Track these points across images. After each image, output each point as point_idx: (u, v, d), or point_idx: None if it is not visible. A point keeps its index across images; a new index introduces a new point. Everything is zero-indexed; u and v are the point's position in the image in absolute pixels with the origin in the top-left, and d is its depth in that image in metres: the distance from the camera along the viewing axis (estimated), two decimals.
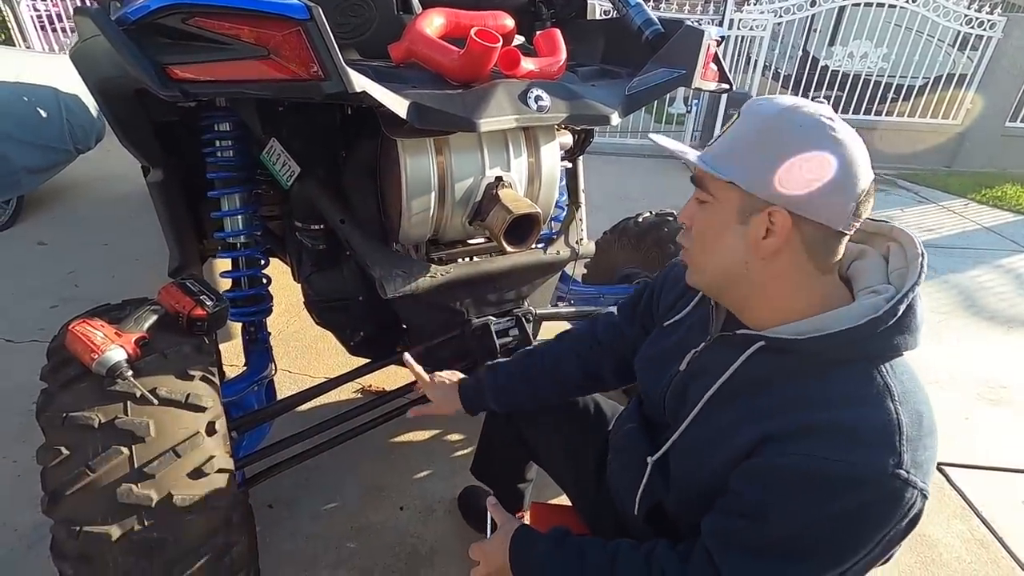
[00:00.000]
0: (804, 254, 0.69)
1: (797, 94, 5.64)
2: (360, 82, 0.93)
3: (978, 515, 1.72)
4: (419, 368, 1.19)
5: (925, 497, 0.63)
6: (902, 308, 0.66)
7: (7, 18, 5.22)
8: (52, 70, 3.23)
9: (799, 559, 0.66)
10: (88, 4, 1.28)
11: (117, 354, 0.93)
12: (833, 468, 0.62)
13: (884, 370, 0.66)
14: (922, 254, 0.70)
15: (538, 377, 1.11)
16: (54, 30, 5.48)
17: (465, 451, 1.81)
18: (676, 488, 0.82)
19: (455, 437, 1.88)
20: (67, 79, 3.24)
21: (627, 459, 0.93)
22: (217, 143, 1.39)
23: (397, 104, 1.01)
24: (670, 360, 0.87)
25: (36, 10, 5.35)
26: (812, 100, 0.69)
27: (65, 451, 0.90)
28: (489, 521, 0.95)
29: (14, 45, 5.22)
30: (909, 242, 0.73)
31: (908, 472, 0.61)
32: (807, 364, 0.69)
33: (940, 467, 1.89)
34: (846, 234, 0.68)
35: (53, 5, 5.36)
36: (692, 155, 0.73)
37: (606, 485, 1.03)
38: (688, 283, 0.81)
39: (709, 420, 0.77)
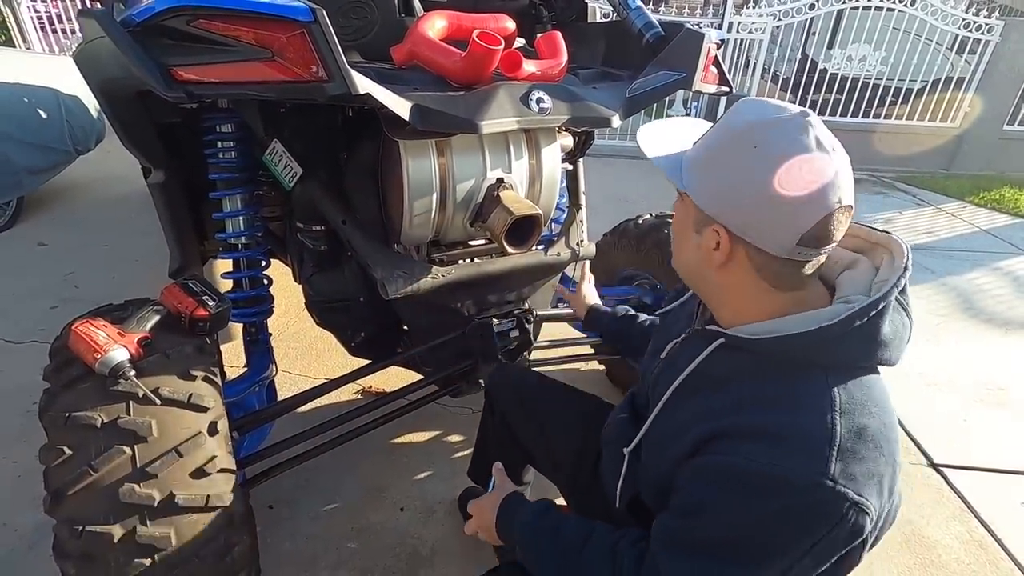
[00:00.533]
0: (753, 272, 0.69)
1: (796, 97, 5.68)
2: (363, 84, 0.94)
3: (977, 517, 1.72)
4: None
5: (865, 511, 0.62)
6: (859, 321, 0.64)
7: (7, 19, 5.22)
8: (53, 71, 3.23)
9: (728, 560, 0.67)
10: (92, 6, 1.29)
11: (120, 354, 0.94)
12: (758, 469, 0.63)
13: (833, 380, 0.65)
14: (905, 267, 0.69)
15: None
16: (54, 31, 5.48)
17: (465, 452, 1.81)
18: (643, 480, 0.84)
19: (455, 438, 1.88)
20: (68, 80, 3.24)
21: (612, 451, 0.94)
22: (219, 144, 1.40)
23: (399, 106, 1.01)
24: (659, 349, 0.89)
25: (36, 11, 5.35)
26: (799, 111, 0.65)
27: (68, 451, 0.90)
28: (491, 482, 1.00)
29: (14, 46, 5.22)
30: (899, 253, 0.71)
31: (836, 482, 0.61)
32: (762, 365, 0.69)
33: (938, 468, 1.90)
34: (800, 261, 0.67)
35: (53, 6, 5.36)
36: (662, 161, 0.74)
37: (599, 482, 1.04)
38: (673, 266, 0.83)
39: (672, 413, 0.78)
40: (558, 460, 1.17)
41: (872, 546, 0.69)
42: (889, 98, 5.73)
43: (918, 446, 2.00)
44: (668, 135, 0.78)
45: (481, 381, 1.50)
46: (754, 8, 5.30)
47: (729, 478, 0.66)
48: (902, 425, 2.07)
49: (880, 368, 0.70)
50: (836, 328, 0.65)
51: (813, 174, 0.63)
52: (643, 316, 1.29)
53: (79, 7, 5.25)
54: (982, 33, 5.34)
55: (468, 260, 1.39)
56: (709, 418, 0.70)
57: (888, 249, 0.74)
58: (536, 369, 1.53)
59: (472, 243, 1.42)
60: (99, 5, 1.32)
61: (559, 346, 1.73)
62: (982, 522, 1.71)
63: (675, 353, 0.84)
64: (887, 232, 0.75)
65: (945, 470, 1.89)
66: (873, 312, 0.65)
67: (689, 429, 0.72)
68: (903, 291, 0.69)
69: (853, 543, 0.65)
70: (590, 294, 1.41)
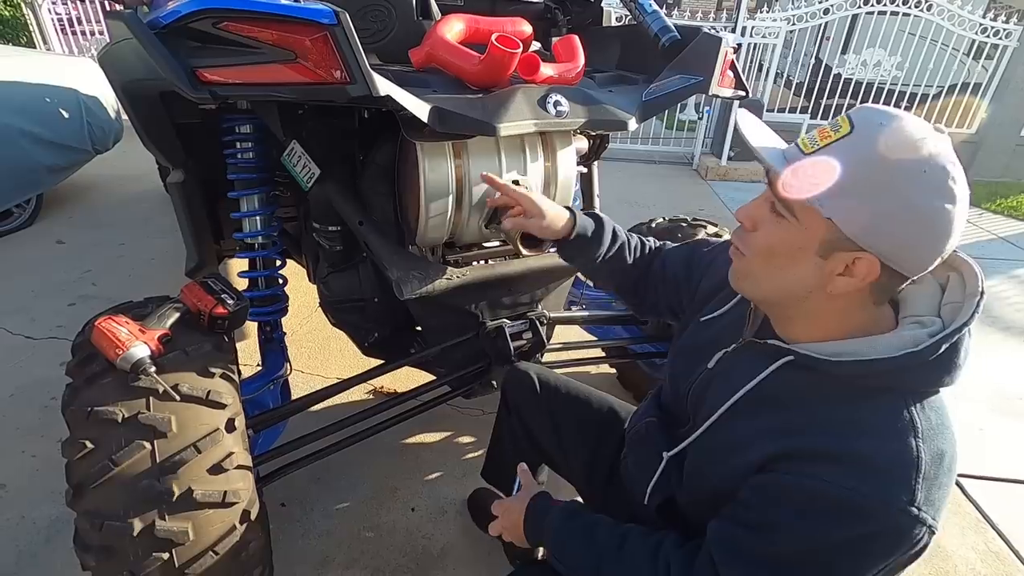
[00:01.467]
0: (869, 293, 0.66)
1: (809, 102, 5.64)
2: (384, 86, 0.95)
3: (994, 527, 1.70)
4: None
5: (933, 532, 0.62)
6: (944, 347, 0.63)
7: (28, 21, 5.31)
8: (73, 72, 3.29)
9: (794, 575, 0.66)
10: (113, 8, 1.31)
11: (141, 350, 0.95)
12: (844, 495, 0.62)
13: (913, 404, 0.64)
14: (981, 292, 0.66)
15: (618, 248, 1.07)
16: (73, 33, 5.58)
17: (476, 453, 1.82)
18: (688, 487, 0.83)
19: (466, 439, 1.89)
20: (88, 81, 3.30)
21: (643, 452, 0.93)
22: (238, 145, 1.42)
23: (419, 108, 1.02)
24: (702, 356, 0.85)
25: (56, 13, 5.45)
26: (934, 127, 0.62)
27: (90, 445, 0.91)
28: (516, 483, 1.01)
29: (35, 47, 5.31)
30: (971, 276, 0.68)
31: (920, 509, 0.61)
32: (834, 387, 0.67)
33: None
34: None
35: (73, 8, 5.46)
36: (775, 162, 0.66)
37: (617, 482, 1.04)
38: (732, 286, 0.78)
39: (729, 426, 0.76)
40: (574, 461, 1.17)
41: None
42: (904, 104, 5.67)
43: None
44: (761, 132, 0.72)
45: (494, 383, 1.51)
46: (768, 12, 5.28)
47: (809, 500, 0.64)
48: None
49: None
50: (924, 353, 0.63)
51: (965, 186, 0.61)
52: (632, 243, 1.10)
53: (98, 9, 5.34)
54: (999, 38, 5.28)
55: (483, 262, 1.40)
56: (778, 436, 0.68)
57: (951, 267, 0.70)
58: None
59: (487, 245, 1.43)
60: (121, 7, 1.34)
61: (571, 349, 1.74)
62: (999, 533, 1.68)
63: (728, 365, 0.80)
64: (958, 253, 0.70)
65: (962, 480, 1.87)
66: (959, 337, 0.64)
67: (753, 445, 0.70)
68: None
69: (916, 560, 0.65)
70: (549, 206, 1.04)
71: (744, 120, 0.72)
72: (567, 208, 1.07)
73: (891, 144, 0.60)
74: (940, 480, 0.63)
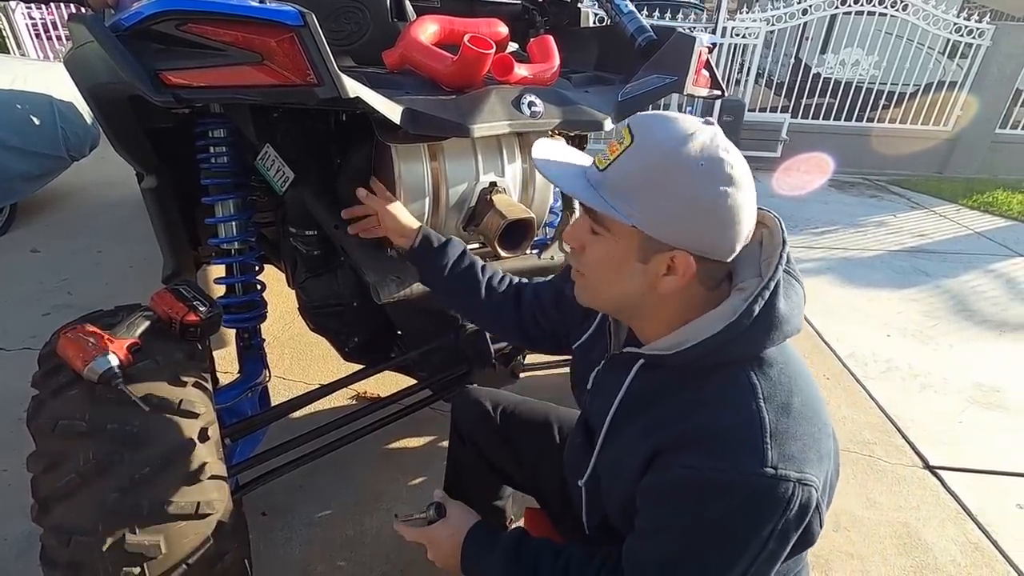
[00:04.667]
0: (699, 283, 0.70)
1: (790, 101, 5.71)
2: (354, 88, 0.93)
3: (973, 519, 1.72)
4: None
5: (808, 484, 0.63)
6: (757, 308, 0.66)
7: (2, 26, 5.21)
8: (48, 78, 3.22)
9: (692, 570, 0.67)
10: (83, 12, 1.29)
11: (109, 360, 0.92)
12: (703, 477, 0.63)
13: (752, 370, 0.67)
14: (783, 242, 0.70)
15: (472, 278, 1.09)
16: (48, 38, 5.48)
17: None
18: (607, 507, 0.83)
19: None
20: (62, 87, 3.23)
21: (571, 480, 0.93)
22: (211, 149, 1.39)
23: (391, 110, 1.01)
24: (584, 380, 0.89)
25: (31, 19, 5.35)
26: (703, 121, 0.66)
27: (56, 458, 0.89)
28: (431, 506, 0.96)
29: (9, 53, 5.21)
30: (775, 229, 0.72)
31: (776, 468, 0.62)
32: (681, 376, 0.71)
33: (934, 470, 1.90)
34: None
35: (48, 13, 5.36)
36: (583, 194, 0.69)
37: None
38: (579, 302, 0.81)
39: (616, 440, 0.78)
40: (543, 486, 1.14)
41: (830, 504, 0.71)
42: (882, 102, 5.77)
43: (913, 448, 2.00)
44: (559, 158, 0.76)
45: (476, 385, 1.50)
46: (748, 13, 5.34)
47: (676, 491, 0.66)
48: (897, 427, 2.08)
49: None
50: (741, 321, 0.66)
51: (745, 167, 0.66)
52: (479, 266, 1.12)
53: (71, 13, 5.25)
54: (973, 38, 5.39)
55: None
56: (648, 437, 0.70)
57: (761, 223, 0.74)
58: (520, 376, 1.51)
59: None
60: (89, 11, 1.32)
61: None
62: (978, 524, 1.70)
63: (601, 381, 0.84)
64: (759, 208, 0.73)
65: (941, 472, 1.89)
66: (768, 294, 0.67)
67: (635, 451, 0.72)
68: (788, 261, 0.70)
69: (807, 518, 0.65)
70: (402, 215, 1.11)
71: (540, 151, 0.76)
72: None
73: (667, 146, 0.64)
74: (793, 431, 0.64)
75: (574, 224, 0.76)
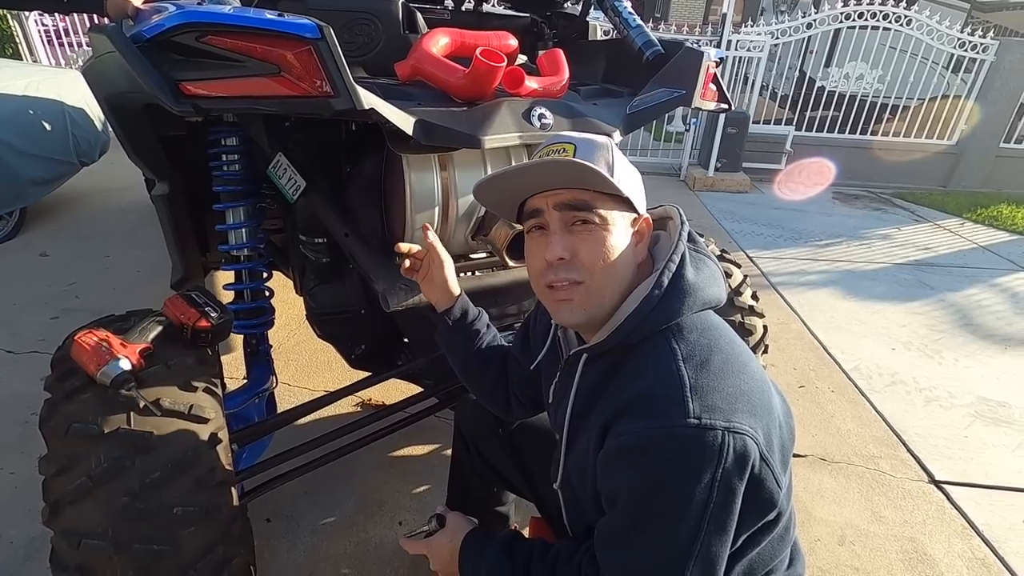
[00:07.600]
0: (644, 247, 0.81)
1: (794, 114, 5.73)
2: (368, 99, 0.95)
3: (979, 534, 1.71)
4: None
5: (740, 432, 0.66)
6: (666, 279, 0.74)
7: (15, 32, 5.28)
8: (59, 84, 3.27)
9: (648, 531, 0.69)
10: (100, 23, 1.31)
11: (122, 365, 0.94)
12: (636, 439, 0.68)
13: (672, 337, 0.73)
14: (682, 223, 0.80)
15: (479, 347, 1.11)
16: (60, 44, 5.55)
17: None
18: (584, 506, 0.84)
19: None
20: (73, 93, 3.28)
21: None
22: (224, 157, 1.41)
23: (403, 121, 1.03)
24: (547, 396, 0.94)
25: (43, 25, 5.42)
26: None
27: (67, 461, 0.90)
28: (432, 518, 0.98)
29: (21, 59, 5.28)
30: (676, 216, 0.83)
31: (699, 418, 0.65)
32: (619, 358, 0.77)
33: (940, 485, 1.89)
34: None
35: (60, 20, 5.43)
36: (609, 181, 0.75)
37: None
38: (571, 324, 0.82)
39: (577, 438, 0.82)
40: (539, 492, 1.15)
41: (785, 465, 0.74)
42: (886, 116, 5.78)
43: (919, 462, 1.99)
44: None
45: None
46: (752, 27, 5.38)
47: (620, 457, 0.70)
48: (902, 441, 2.07)
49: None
50: (653, 295, 0.73)
51: None
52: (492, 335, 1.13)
53: (85, 21, 5.32)
54: (977, 52, 5.41)
55: (469, 273, 1.40)
56: (598, 421, 0.75)
57: (668, 216, 0.85)
58: None
59: (473, 256, 1.43)
60: (107, 22, 1.34)
61: None
62: (984, 540, 1.69)
63: (557, 390, 0.89)
64: (661, 205, 0.87)
65: (946, 487, 1.88)
66: (673, 266, 0.75)
67: (591, 439, 0.76)
68: (695, 242, 0.82)
69: (749, 469, 0.67)
70: (451, 276, 1.06)
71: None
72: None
73: (603, 142, 0.79)
74: (716, 383, 0.69)
75: (550, 241, 0.76)
